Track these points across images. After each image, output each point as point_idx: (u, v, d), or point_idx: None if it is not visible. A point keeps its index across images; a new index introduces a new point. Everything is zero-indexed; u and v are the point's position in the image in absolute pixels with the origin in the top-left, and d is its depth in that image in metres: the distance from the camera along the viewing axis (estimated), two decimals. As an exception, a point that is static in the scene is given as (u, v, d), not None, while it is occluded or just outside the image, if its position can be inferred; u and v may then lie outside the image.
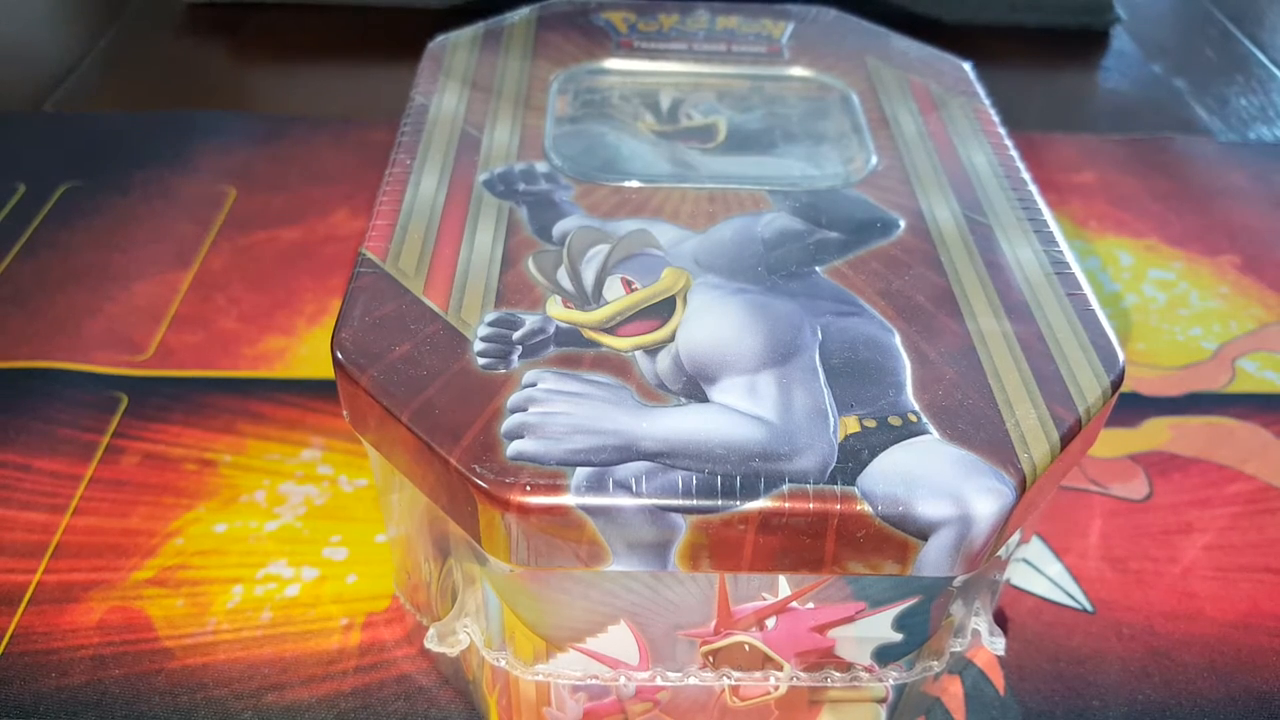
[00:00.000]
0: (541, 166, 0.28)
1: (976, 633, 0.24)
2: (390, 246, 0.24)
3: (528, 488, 0.19)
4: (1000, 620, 0.29)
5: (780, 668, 0.23)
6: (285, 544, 0.30)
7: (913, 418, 0.20)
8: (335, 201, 0.45)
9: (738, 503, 0.19)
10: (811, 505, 0.19)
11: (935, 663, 0.24)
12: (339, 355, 0.21)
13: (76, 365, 0.36)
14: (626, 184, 0.27)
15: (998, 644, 0.24)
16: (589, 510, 0.19)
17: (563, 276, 0.24)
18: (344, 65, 0.57)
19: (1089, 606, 0.29)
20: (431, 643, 0.23)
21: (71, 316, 0.38)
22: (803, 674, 0.23)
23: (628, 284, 0.23)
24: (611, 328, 0.22)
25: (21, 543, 0.30)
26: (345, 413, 0.22)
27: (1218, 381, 0.37)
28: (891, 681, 0.24)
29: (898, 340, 0.22)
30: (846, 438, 0.20)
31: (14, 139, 0.48)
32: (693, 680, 0.23)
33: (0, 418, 0.34)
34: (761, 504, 0.19)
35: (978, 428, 0.20)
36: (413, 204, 0.26)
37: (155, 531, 0.31)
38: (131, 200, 0.44)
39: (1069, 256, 0.25)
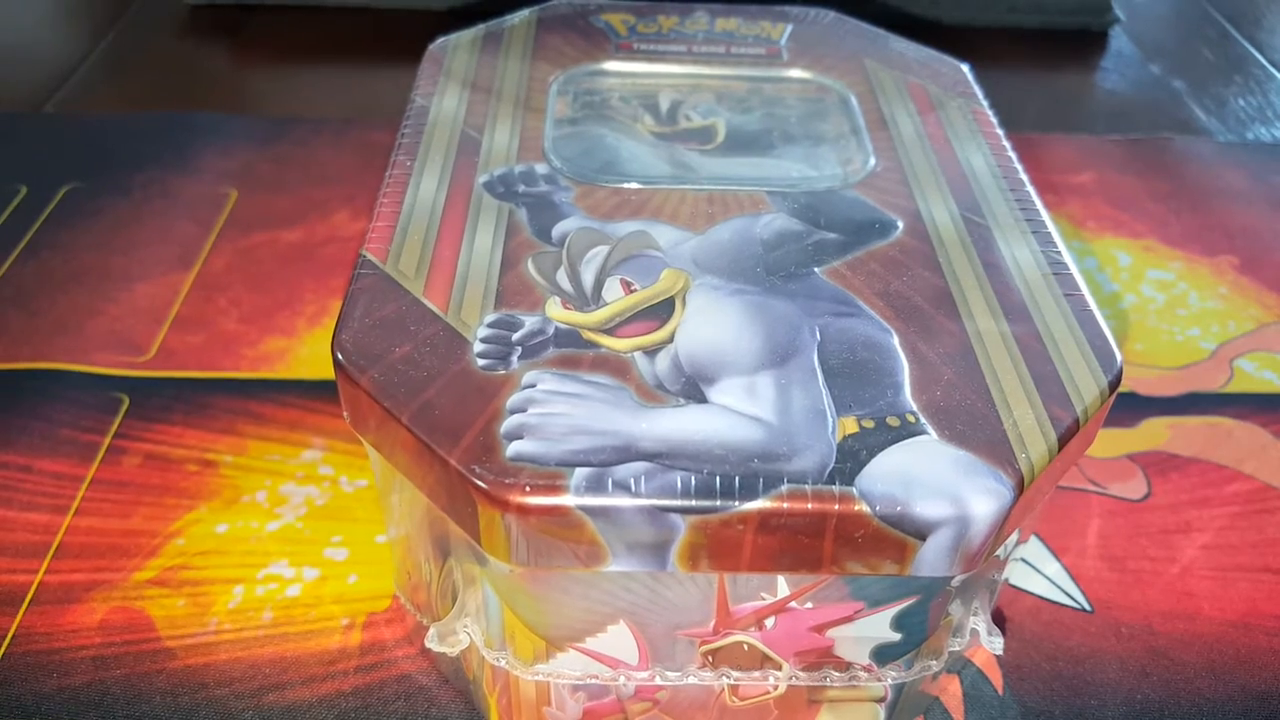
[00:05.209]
0: (541, 168, 0.28)
1: (975, 632, 0.24)
2: (390, 248, 0.24)
3: (527, 488, 0.19)
4: (999, 620, 0.29)
5: (779, 667, 0.23)
6: (286, 544, 0.31)
7: (911, 418, 0.20)
8: (336, 203, 0.45)
9: (736, 503, 0.19)
10: (810, 505, 0.19)
11: (934, 662, 0.24)
12: (339, 356, 0.22)
13: (78, 366, 0.36)
14: (626, 185, 0.27)
15: (996, 643, 0.24)
16: (588, 510, 0.19)
17: (562, 278, 0.24)
18: (345, 67, 0.57)
19: (1087, 606, 0.30)
20: (432, 642, 0.23)
21: (73, 317, 0.38)
22: (801, 673, 0.23)
23: (627, 285, 0.24)
24: (611, 329, 0.22)
25: (23, 543, 0.30)
26: (346, 414, 0.22)
27: (1216, 381, 0.37)
28: (890, 681, 0.24)
29: (896, 341, 0.22)
30: (845, 438, 0.20)
31: (16, 140, 0.48)
32: (692, 680, 0.23)
33: (1, 418, 0.34)
34: (760, 504, 0.19)
35: (976, 428, 0.20)
36: (413, 205, 0.26)
37: (157, 532, 0.31)
38: (133, 201, 0.44)
39: (1067, 257, 0.25)
